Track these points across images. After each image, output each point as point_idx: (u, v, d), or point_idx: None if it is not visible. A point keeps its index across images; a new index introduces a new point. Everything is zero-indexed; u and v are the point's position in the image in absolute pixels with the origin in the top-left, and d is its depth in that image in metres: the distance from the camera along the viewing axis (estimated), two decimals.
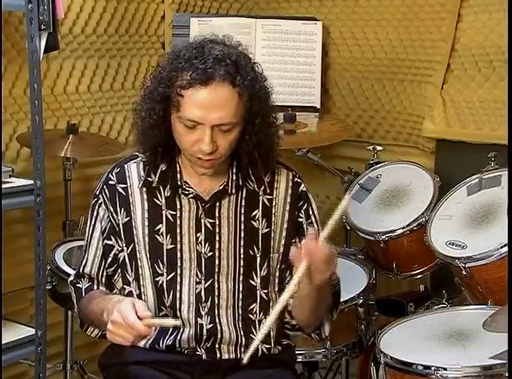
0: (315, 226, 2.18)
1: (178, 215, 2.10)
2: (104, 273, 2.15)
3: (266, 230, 2.13)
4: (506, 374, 2.22)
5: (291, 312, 2.17)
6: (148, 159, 2.09)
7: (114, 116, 3.54)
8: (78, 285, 2.17)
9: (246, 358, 1.88)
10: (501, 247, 2.60)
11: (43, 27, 2.68)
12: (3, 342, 2.52)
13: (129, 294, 2.14)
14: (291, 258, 1.94)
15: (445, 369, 2.28)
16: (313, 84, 3.65)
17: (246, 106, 1.98)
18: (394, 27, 3.63)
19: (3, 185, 2.51)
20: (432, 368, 2.29)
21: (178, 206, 2.10)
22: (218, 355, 2.13)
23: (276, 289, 2.17)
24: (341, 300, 2.28)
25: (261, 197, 2.13)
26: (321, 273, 1.94)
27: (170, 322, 2.01)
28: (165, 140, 2.04)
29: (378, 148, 3.38)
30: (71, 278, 2.22)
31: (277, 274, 2.16)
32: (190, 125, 1.95)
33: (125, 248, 2.13)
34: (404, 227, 2.98)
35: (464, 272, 2.67)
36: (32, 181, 2.58)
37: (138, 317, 1.86)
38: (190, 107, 1.93)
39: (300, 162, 3.40)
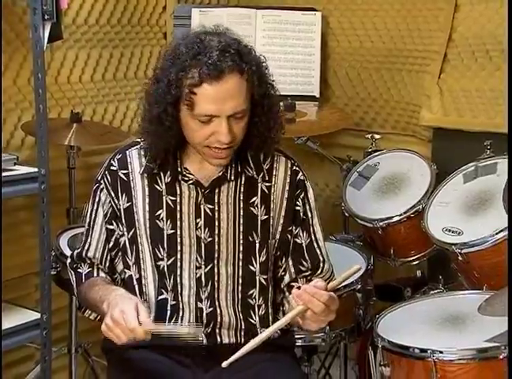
0: (310, 214, 2.20)
1: (178, 200, 2.12)
2: (108, 257, 2.18)
3: (265, 216, 2.16)
4: (501, 357, 2.26)
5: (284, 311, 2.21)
6: (160, 161, 2.10)
7: (117, 105, 3.55)
8: (79, 270, 2.20)
9: (227, 363, 1.89)
10: (496, 233, 2.61)
11: (46, 17, 2.67)
12: (9, 326, 2.55)
13: (129, 277, 2.18)
14: (292, 296, 1.97)
15: (441, 352, 2.31)
16: (312, 73, 3.66)
17: (253, 90, 2.00)
18: (392, 17, 3.64)
19: (8, 173, 2.53)
20: (429, 351, 2.32)
21: (178, 192, 2.12)
22: (218, 340, 2.16)
23: (271, 275, 2.20)
24: (340, 286, 2.30)
25: (259, 184, 2.15)
26: (315, 322, 1.97)
27: (171, 330, 1.96)
28: (178, 139, 2.06)
29: (377, 136, 3.38)
30: (69, 261, 2.24)
31: (272, 260, 2.19)
32: (205, 119, 1.98)
33: (126, 232, 2.16)
34: (401, 214, 2.99)
35: (460, 258, 2.68)
36: (36, 169, 2.58)
37: (139, 322, 1.87)
38: (204, 103, 1.95)
39: (300, 150, 3.40)
